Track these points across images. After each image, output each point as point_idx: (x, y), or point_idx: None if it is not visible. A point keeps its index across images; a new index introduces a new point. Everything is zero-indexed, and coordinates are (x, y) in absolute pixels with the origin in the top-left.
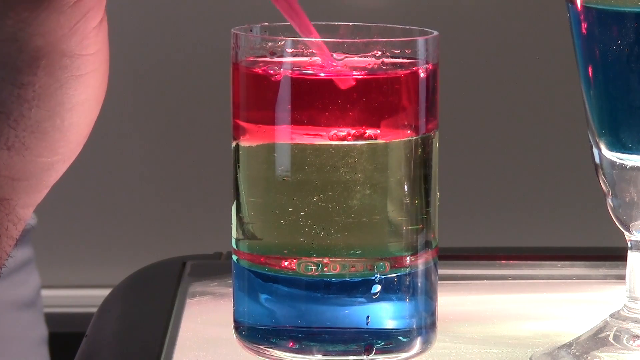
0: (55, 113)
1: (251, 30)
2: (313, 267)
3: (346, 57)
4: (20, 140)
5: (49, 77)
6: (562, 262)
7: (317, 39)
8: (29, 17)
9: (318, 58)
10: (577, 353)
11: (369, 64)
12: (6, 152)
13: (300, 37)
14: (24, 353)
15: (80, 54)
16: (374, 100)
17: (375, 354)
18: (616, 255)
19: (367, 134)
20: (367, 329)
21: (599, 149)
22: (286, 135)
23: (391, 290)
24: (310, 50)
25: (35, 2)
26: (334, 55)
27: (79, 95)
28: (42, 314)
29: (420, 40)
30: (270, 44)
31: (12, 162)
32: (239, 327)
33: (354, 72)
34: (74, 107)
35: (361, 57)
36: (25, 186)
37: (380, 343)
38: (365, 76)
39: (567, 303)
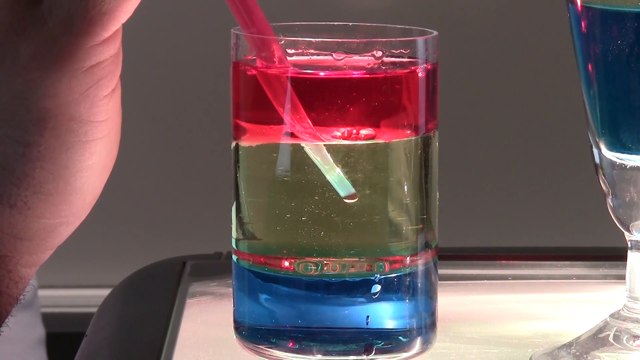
0: (58, 176)
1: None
2: (313, 267)
3: (346, 57)
4: (22, 200)
5: (55, 139)
6: (562, 262)
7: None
8: (39, 78)
9: (318, 57)
10: (577, 353)
11: (369, 64)
12: (8, 209)
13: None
14: (21, 354)
15: (89, 120)
16: (373, 100)
17: (375, 354)
18: (616, 255)
19: (367, 134)
20: (367, 329)
21: (599, 149)
22: (286, 135)
23: (391, 290)
24: (310, 50)
25: (47, 64)
26: (334, 55)
27: (85, 161)
28: (39, 314)
29: (420, 40)
30: None
31: (14, 221)
32: (239, 327)
33: (354, 72)
34: (78, 171)
35: (361, 57)
36: (28, 246)
37: (380, 343)
38: (365, 76)
39: (567, 303)
